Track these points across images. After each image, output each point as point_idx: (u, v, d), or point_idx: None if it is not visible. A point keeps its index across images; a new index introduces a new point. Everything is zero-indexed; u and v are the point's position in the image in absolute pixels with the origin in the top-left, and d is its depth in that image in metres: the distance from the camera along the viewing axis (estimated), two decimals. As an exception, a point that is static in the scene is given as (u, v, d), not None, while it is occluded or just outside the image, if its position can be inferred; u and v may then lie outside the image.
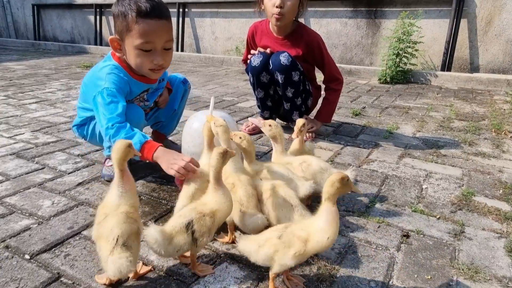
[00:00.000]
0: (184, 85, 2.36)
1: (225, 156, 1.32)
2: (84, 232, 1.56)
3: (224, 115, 1.79)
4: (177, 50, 7.99)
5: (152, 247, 1.20)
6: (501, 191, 2.05)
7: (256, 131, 2.93)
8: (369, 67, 5.97)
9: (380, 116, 3.59)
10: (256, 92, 2.83)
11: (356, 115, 3.60)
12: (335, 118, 3.44)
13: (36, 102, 3.83)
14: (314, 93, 2.95)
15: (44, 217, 1.67)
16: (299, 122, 1.90)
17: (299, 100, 2.76)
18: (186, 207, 1.32)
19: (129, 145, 1.26)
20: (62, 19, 9.99)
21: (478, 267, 1.41)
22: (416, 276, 1.37)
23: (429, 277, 1.37)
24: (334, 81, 2.86)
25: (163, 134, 2.42)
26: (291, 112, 2.83)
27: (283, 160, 1.81)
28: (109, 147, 1.73)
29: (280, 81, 2.64)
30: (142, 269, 1.32)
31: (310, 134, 2.79)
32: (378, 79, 5.49)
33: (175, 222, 1.25)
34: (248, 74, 2.80)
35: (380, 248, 1.53)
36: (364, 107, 3.93)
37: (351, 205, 1.87)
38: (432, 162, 2.46)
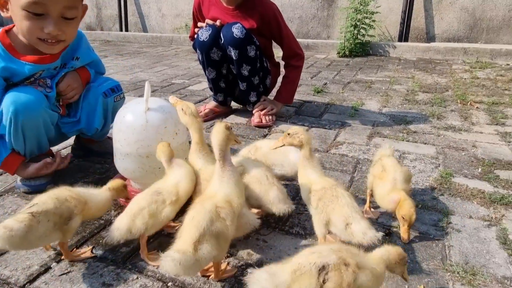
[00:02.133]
0: (106, 97, 1.76)
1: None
2: (-16, 270, 1.18)
3: (164, 103, 1.44)
4: (121, 30, 7.32)
5: None
6: (479, 169, 1.89)
7: (209, 117, 2.59)
8: (326, 41, 5.73)
9: (343, 92, 3.37)
10: (206, 72, 2.47)
11: (318, 92, 3.35)
12: (296, 96, 3.15)
13: None
14: (272, 71, 2.64)
15: None
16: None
17: (257, 79, 2.44)
18: (324, 247, 0.93)
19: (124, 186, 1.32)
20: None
21: (475, 268, 1.21)
22: (406, 286, 1.14)
23: (421, 286, 1.14)
24: (294, 56, 2.56)
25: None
26: (248, 93, 2.51)
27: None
28: None
29: (234, 57, 2.30)
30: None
31: (270, 117, 2.50)
32: (337, 53, 5.28)
33: (304, 259, 0.88)
34: (196, 51, 2.43)
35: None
36: (325, 83, 3.69)
37: (323, 199, 1.61)
38: (403, 140, 2.26)
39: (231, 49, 2.26)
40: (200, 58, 2.42)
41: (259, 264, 1.22)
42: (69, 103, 1.77)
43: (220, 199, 1.08)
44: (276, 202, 1.27)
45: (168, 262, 0.94)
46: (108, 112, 1.80)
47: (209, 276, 1.16)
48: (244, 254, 1.27)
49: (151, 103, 1.42)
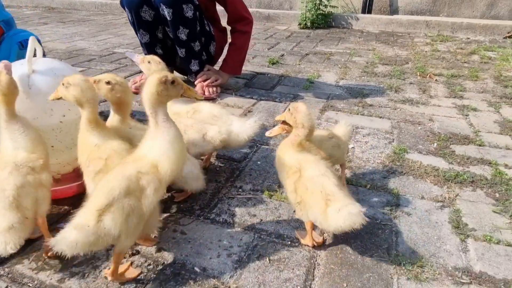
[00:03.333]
0: (22, 48, 1.57)
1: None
2: None
3: (56, 65, 1.15)
4: (67, -4, 6.66)
5: None
6: (435, 144, 1.74)
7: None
8: (288, 11, 5.44)
9: (299, 64, 3.13)
10: (138, 35, 2.15)
11: (273, 63, 3.10)
12: (249, 68, 2.91)
13: None
14: (218, 37, 2.35)
15: None
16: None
17: (197, 44, 2.15)
18: None
19: None
20: None
21: (423, 259, 1.04)
22: (345, 285, 0.95)
23: (360, 284, 0.96)
24: (241, 20, 2.28)
25: None
26: (188, 61, 2.21)
27: (171, 110, 1.32)
28: None
29: (168, 18, 1.99)
30: None
31: (214, 89, 2.23)
32: (298, 24, 5.01)
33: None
34: (124, 9, 2.09)
35: (296, 244, 1.08)
36: (282, 55, 3.44)
37: (260, 181, 1.40)
38: (358, 114, 2.07)
39: (164, 7, 1.94)
40: (130, 18, 2.09)
41: (171, 263, 1.00)
42: None
43: (145, 163, 0.88)
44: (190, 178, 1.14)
45: (62, 244, 0.78)
46: None
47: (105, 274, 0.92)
48: (153, 250, 1.04)
49: (38, 64, 1.12)
